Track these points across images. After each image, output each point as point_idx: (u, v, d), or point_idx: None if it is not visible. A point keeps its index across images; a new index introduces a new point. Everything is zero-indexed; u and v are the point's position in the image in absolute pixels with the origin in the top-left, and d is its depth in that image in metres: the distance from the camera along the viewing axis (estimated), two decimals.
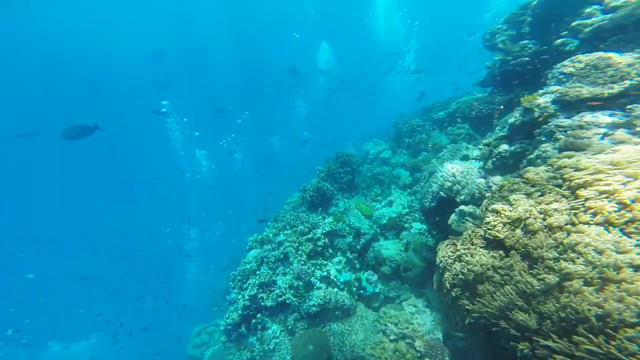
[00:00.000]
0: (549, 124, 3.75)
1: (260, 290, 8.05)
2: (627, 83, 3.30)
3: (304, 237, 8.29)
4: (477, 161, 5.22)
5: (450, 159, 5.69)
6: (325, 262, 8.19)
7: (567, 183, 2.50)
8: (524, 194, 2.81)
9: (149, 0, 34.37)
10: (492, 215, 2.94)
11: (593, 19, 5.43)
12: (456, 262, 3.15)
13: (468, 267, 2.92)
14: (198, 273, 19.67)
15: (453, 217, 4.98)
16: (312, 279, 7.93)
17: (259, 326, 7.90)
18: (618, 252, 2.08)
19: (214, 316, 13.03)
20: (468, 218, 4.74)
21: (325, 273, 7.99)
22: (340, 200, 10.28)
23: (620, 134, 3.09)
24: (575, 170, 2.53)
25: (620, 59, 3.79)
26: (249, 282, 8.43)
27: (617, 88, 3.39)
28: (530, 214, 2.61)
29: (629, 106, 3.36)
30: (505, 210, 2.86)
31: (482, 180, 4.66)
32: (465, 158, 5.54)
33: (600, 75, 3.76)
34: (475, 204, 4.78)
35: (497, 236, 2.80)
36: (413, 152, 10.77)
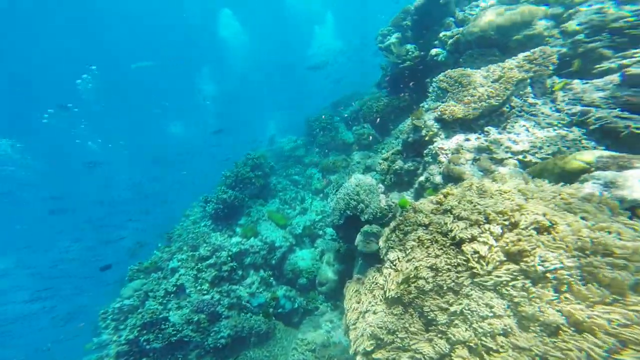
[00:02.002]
0: (434, 144, 3.78)
1: (145, 331, 6.45)
2: (483, 104, 3.54)
3: (205, 263, 7.00)
4: (378, 174, 5.14)
5: (355, 172, 5.48)
6: (235, 287, 7.21)
7: (452, 234, 2.33)
8: (418, 242, 2.57)
9: None
10: (389, 267, 2.64)
11: (452, 31, 5.96)
12: (360, 320, 2.79)
13: (369, 329, 2.57)
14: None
15: (359, 237, 4.80)
16: (218, 308, 6.85)
17: None
18: (495, 317, 1.96)
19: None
20: (372, 239, 4.63)
21: (234, 300, 7.03)
22: (252, 208, 9.25)
23: (484, 160, 3.25)
24: (454, 221, 2.39)
25: (476, 77, 4.14)
26: (128, 322, 6.64)
27: (478, 109, 3.61)
28: (422, 271, 2.37)
29: (486, 128, 3.61)
30: (401, 262, 2.58)
31: (383, 199, 4.57)
32: (368, 169, 5.42)
33: (465, 94, 4.00)
34: (378, 223, 4.68)
35: (394, 293, 2.50)
36: (324, 150, 10.60)
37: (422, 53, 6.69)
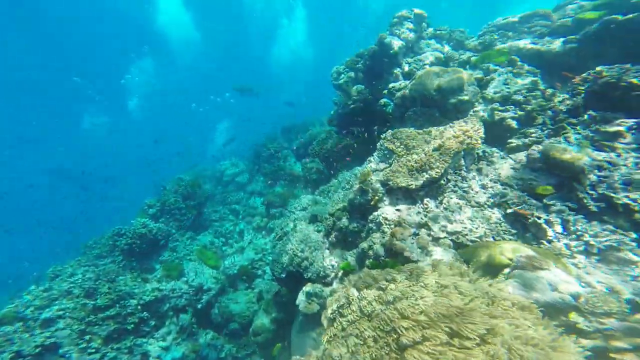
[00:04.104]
0: (379, 212, 3.80)
1: None
2: (425, 176, 3.75)
3: (101, 315, 5.54)
4: (323, 226, 4.96)
5: (301, 220, 5.21)
6: (143, 340, 5.89)
7: (396, 338, 2.20)
8: (361, 339, 2.37)
9: None
10: None
11: (400, 83, 6.28)
12: None
13: None
14: None
15: (300, 296, 4.46)
16: None
17: None
18: None
19: None
20: (314, 299, 4.35)
21: (138, 357, 5.69)
22: (179, 242, 7.99)
23: (423, 237, 3.37)
24: (400, 318, 2.28)
25: (420, 141, 4.37)
26: None
27: (420, 179, 3.79)
28: None
29: (425, 200, 3.80)
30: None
31: (328, 257, 4.38)
32: (314, 219, 5.20)
33: (409, 159, 4.17)
34: (321, 282, 4.44)
35: None
36: (270, 180, 10.13)
37: (371, 97, 7.01)
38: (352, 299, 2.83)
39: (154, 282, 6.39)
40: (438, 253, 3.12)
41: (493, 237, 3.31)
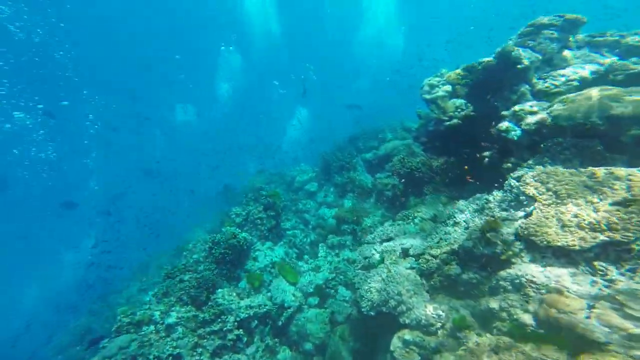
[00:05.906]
0: (519, 272, 3.09)
1: None
2: (599, 238, 2.84)
3: (207, 329, 6.18)
4: (418, 264, 4.43)
5: (389, 253, 4.80)
6: (237, 357, 6.36)
7: None
8: None
9: None
10: None
11: (532, 104, 4.91)
12: None
13: None
14: None
15: (396, 342, 4.08)
16: None
17: None
18: None
19: None
20: (413, 348, 3.92)
21: None
22: (260, 251, 8.47)
23: (605, 311, 2.56)
24: None
25: (577, 187, 3.34)
26: None
27: (589, 242, 2.89)
28: None
29: (598, 264, 2.91)
30: None
31: (430, 305, 3.87)
32: (405, 254, 4.73)
33: (563, 211, 3.23)
34: (421, 330, 3.97)
35: None
36: (340, 191, 9.95)
37: (474, 114, 6.03)
38: None
39: (246, 298, 6.86)
40: None
41: None
